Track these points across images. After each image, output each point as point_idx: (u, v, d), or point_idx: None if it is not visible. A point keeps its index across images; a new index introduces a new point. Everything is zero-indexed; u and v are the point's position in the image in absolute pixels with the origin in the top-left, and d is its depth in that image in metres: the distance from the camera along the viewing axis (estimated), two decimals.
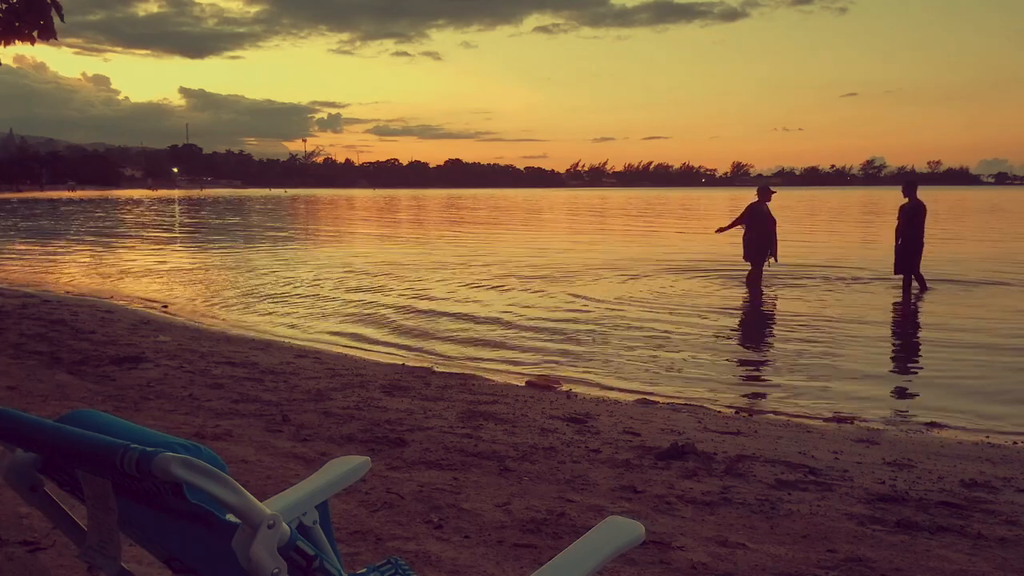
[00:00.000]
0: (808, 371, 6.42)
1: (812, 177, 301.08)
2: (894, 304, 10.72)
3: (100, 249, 20.95)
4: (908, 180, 11.34)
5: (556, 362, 7.28)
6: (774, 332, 8.94)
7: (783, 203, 36.32)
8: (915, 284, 11.35)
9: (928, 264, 11.67)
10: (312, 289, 12.53)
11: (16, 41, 9.51)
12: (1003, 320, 9.30)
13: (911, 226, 11.01)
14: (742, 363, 7.18)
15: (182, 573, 1.30)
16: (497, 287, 12.69)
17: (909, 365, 7.23)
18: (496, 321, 9.45)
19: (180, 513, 1.03)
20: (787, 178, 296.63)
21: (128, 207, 58.87)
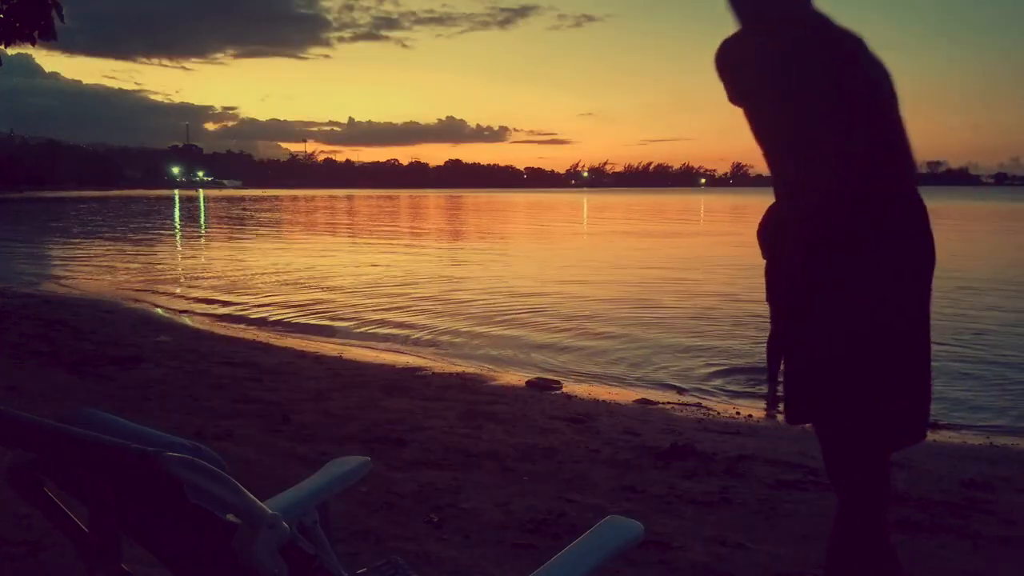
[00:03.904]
0: None
1: None
2: None
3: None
4: None
5: (556, 362, 7.28)
6: None
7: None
8: None
9: None
10: (305, 286, 12.54)
11: (16, 41, 9.51)
12: (999, 320, 9.30)
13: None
14: (742, 363, 7.18)
15: (182, 573, 1.30)
16: (499, 287, 12.69)
17: None
18: (497, 321, 9.45)
19: (180, 513, 1.04)
20: None
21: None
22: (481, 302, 11.01)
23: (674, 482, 3.60)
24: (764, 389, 6.19)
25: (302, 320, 9.63)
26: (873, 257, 1.77)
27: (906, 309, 1.82)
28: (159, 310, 10.24)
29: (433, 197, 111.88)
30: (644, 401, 5.70)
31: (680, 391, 6.23)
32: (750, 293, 11.43)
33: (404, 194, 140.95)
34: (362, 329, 9.01)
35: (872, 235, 1.76)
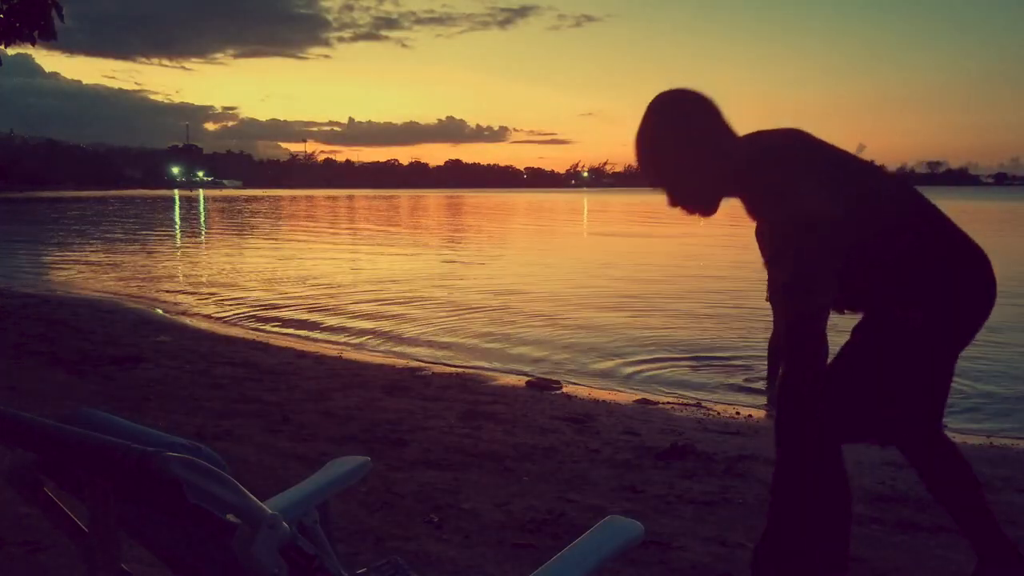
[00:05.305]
0: None
1: None
2: None
3: None
4: None
5: (556, 362, 7.28)
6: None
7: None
8: None
9: None
10: (302, 289, 12.54)
11: (16, 41, 9.51)
12: (1001, 319, 9.29)
13: None
14: (743, 364, 7.18)
15: (182, 573, 1.30)
16: (499, 287, 12.69)
17: None
18: (496, 321, 9.45)
19: (180, 513, 1.04)
20: None
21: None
22: (481, 302, 11.01)
23: (674, 482, 3.60)
24: (764, 387, 6.19)
25: (302, 320, 9.63)
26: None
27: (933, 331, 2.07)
28: (159, 310, 10.24)
29: (433, 197, 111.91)
30: (644, 401, 5.70)
31: (680, 391, 6.23)
32: (749, 292, 11.44)
33: (404, 194, 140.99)
34: (362, 329, 9.01)
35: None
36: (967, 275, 2.05)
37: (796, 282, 1.99)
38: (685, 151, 2.08)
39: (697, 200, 2.16)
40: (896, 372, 2.05)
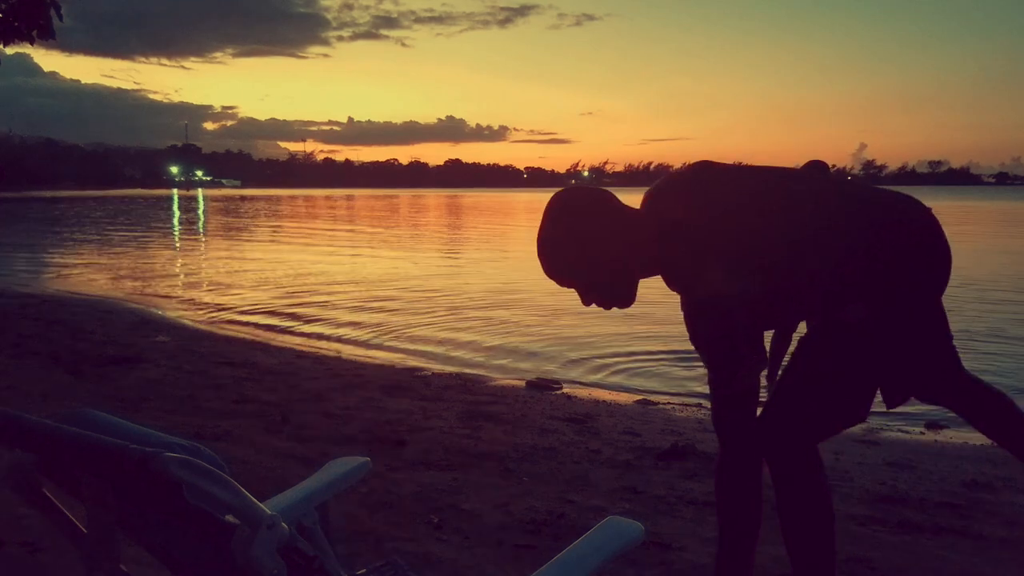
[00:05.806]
0: None
1: None
2: None
3: None
4: None
5: (556, 362, 7.28)
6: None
7: None
8: None
9: None
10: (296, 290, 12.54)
11: (15, 40, 9.52)
12: (1002, 319, 9.30)
13: None
14: None
15: (181, 573, 1.30)
16: (498, 287, 12.69)
17: None
18: (496, 321, 9.45)
19: (179, 514, 1.03)
20: None
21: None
22: (480, 302, 11.01)
23: (675, 483, 3.60)
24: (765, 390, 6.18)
25: (301, 320, 9.63)
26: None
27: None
28: (158, 310, 10.23)
29: (432, 197, 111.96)
30: (644, 401, 5.69)
31: (680, 391, 6.22)
32: None
33: (404, 194, 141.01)
34: (361, 329, 9.00)
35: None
36: (898, 246, 1.94)
37: (717, 370, 2.00)
38: (596, 250, 2.01)
39: (616, 295, 2.09)
40: (866, 369, 1.95)
